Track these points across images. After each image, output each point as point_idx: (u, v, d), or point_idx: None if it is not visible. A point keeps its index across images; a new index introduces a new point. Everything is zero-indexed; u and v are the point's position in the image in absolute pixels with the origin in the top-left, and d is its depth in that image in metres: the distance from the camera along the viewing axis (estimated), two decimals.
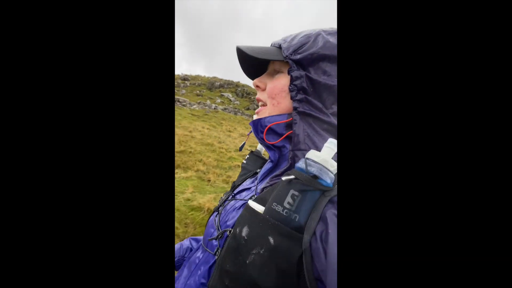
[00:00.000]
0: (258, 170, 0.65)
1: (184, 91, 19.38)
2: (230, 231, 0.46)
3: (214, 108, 16.72)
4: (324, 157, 0.39)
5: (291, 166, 0.47)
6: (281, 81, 0.51)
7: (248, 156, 0.74)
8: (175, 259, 0.73)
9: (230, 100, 20.22)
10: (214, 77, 24.52)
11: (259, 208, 0.40)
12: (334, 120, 0.48)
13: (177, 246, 0.75)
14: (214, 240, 0.50)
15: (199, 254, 0.54)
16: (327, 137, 0.48)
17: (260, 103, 0.56)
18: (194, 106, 16.06)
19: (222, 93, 20.87)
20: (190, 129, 9.14)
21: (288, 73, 0.49)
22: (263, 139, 0.52)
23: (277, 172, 0.49)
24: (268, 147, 0.54)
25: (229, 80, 23.58)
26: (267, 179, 0.51)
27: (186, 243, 0.76)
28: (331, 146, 0.40)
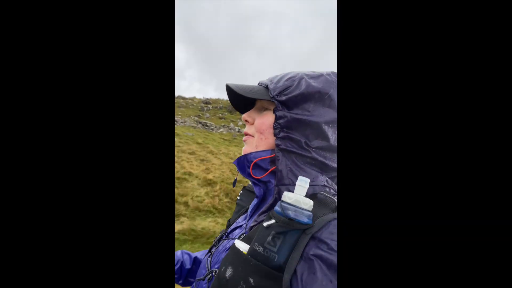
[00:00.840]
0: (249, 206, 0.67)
1: (208, 114, 19.98)
2: (216, 272, 0.47)
3: (238, 131, 17.14)
4: (296, 198, 0.40)
5: (276, 201, 0.50)
6: (269, 118, 0.55)
7: (241, 192, 0.76)
8: None
9: None
10: None
11: (244, 248, 0.41)
12: (315, 155, 0.51)
13: None
14: (203, 281, 0.51)
15: None
16: (309, 171, 0.51)
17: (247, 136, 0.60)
18: (221, 130, 16.49)
19: None
20: (231, 156, 9.37)
21: (274, 112, 0.53)
22: (249, 174, 0.54)
23: (263, 208, 0.52)
24: (254, 183, 0.56)
25: None
26: (255, 216, 0.53)
27: (177, 254, 0.78)
28: (301, 183, 0.42)
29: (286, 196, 0.42)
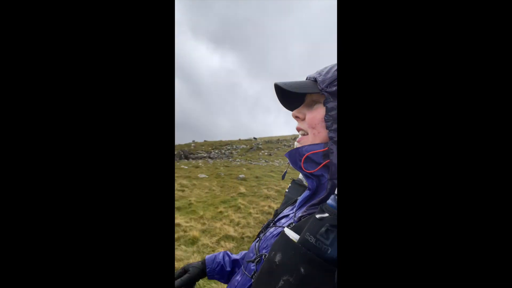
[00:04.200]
0: (298, 198, 0.67)
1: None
2: (265, 255, 0.48)
3: None
4: None
5: (328, 196, 0.49)
6: (320, 112, 0.55)
7: (290, 184, 0.79)
8: (207, 269, 0.79)
9: None
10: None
11: (294, 236, 0.41)
12: None
13: (211, 256, 0.82)
14: (252, 264, 0.53)
15: (238, 277, 0.59)
16: None
17: (300, 132, 0.60)
18: None
19: None
20: None
21: (324, 105, 0.53)
22: (301, 167, 0.55)
23: (315, 201, 0.51)
24: (306, 175, 0.56)
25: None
26: (305, 207, 0.53)
27: (219, 257, 0.82)
28: None
29: None
